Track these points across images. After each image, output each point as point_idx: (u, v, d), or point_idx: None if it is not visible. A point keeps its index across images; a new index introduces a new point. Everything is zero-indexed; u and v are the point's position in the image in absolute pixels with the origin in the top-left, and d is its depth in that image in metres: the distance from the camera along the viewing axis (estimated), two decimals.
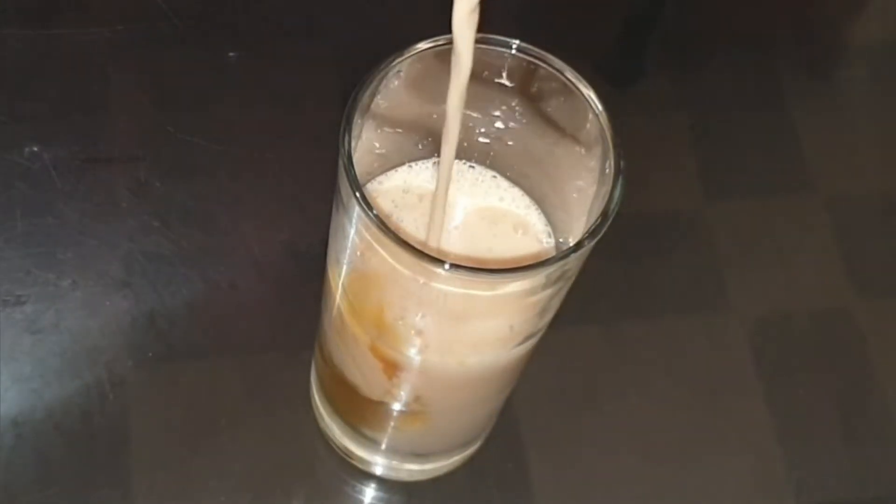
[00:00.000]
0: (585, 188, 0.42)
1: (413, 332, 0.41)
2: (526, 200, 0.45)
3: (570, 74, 0.41)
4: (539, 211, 0.44)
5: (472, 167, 0.45)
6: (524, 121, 0.44)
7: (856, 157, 0.68)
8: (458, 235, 0.43)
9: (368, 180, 0.44)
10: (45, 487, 0.52)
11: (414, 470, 0.55)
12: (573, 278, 0.42)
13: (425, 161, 0.45)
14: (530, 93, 0.43)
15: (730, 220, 0.64)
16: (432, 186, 0.42)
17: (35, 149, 0.60)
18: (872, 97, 0.71)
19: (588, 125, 0.41)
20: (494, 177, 0.45)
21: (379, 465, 0.55)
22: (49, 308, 0.56)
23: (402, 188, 0.44)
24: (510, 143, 0.44)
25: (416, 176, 0.44)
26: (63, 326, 0.56)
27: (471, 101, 0.40)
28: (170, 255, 0.58)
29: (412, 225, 0.43)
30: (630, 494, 0.56)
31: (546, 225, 0.44)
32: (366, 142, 0.42)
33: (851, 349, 0.61)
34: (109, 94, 0.62)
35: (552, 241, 0.44)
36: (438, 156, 0.40)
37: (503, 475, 0.56)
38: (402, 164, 0.45)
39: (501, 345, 0.43)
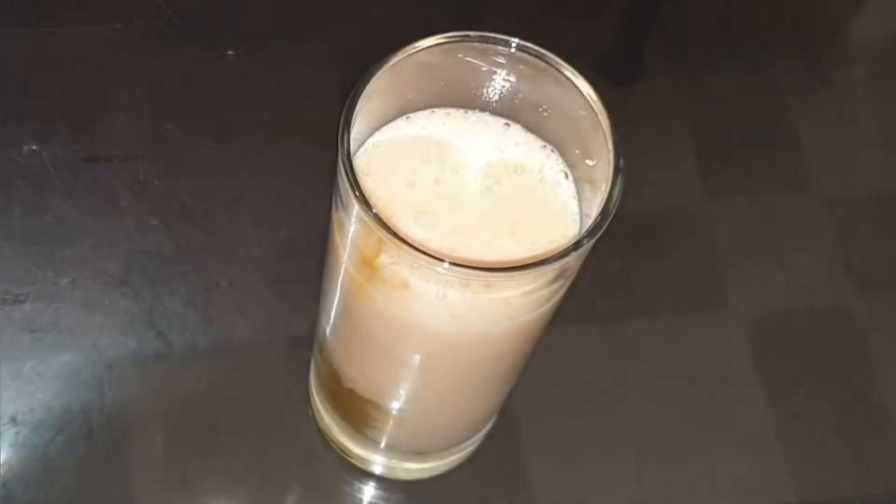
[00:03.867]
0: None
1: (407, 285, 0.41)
2: (540, 143, 0.44)
3: (570, 73, 0.41)
4: (556, 154, 0.44)
5: (483, 116, 0.44)
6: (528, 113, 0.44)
7: (855, 155, 0.68)
8: (477, 187, 0.43)
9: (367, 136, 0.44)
10: (45, 486, 0.52)
11: (413, 469, 0.55)
12: (573, 276, 0.41)
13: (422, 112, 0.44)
14: (530, 92, 0.43)
15: (730, 219, 0.64)
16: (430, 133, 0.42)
17: (34, 147, 0.60)
18: (872, 96, 0.71)
19: (587, 123, 0.41)
20: (507, 124, 0.45)
21: (378, 463, 0.55)
22: (48, 306, 0.56)
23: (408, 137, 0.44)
24: (518, 102, 0.44)
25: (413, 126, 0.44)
26: (62, 325, 0.56)
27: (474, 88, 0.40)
28: (169, 253, 0.58)
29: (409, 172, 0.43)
30: (629, 493, 0.56)
31: (563, 165, 0.44)
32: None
33: (851, 348, 0.61)
34: (108, 92, 0.62)
35: (572, 183, 0.44)
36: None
37: (502, 474, 0.56)
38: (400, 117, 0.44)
39: (499, 337, 0.43)
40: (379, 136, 0.44)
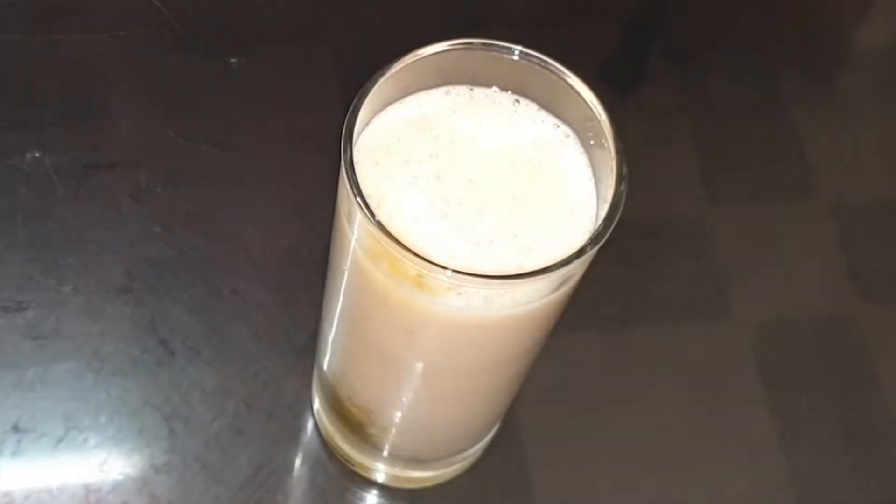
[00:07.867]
0: None
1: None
2: (554, 120, 0.43)
3: (573, 80, 0.41)
4: (569, 128, 0.43)
5: (494, 93, 0.43)
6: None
7: (859, 163, 0.68)
8: (494, 167, 0.42)
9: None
10: (47, 494, 0.52)
11: (416, 477, 0.55)
12: (576, 284, 0.41)
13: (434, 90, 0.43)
14: (533, 98, 0.43)
15: (733, 227, 0.64)
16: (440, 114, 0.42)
17: (37, 154, 0.60)
18: (875, 103, 0.71)
19: (591, 131, 0.41)
20: (517, 101, 0.43)
21: (381, 471, 0.54)
22: (50, 314, 0.56)
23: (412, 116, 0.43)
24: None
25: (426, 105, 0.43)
26: (64, 332, 0.56)
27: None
28: (171, 260, 0.58)
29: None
30: (632, 501, 0.56)
31: (580, 145, 0.43)
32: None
33: (854, 356, 0.61)
34: (111, 99, 0.62)
35: (589, 168, 0.43)
36: None
37: (505, 482, 0.56)
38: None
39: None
40: (383, 115, 0.42)
